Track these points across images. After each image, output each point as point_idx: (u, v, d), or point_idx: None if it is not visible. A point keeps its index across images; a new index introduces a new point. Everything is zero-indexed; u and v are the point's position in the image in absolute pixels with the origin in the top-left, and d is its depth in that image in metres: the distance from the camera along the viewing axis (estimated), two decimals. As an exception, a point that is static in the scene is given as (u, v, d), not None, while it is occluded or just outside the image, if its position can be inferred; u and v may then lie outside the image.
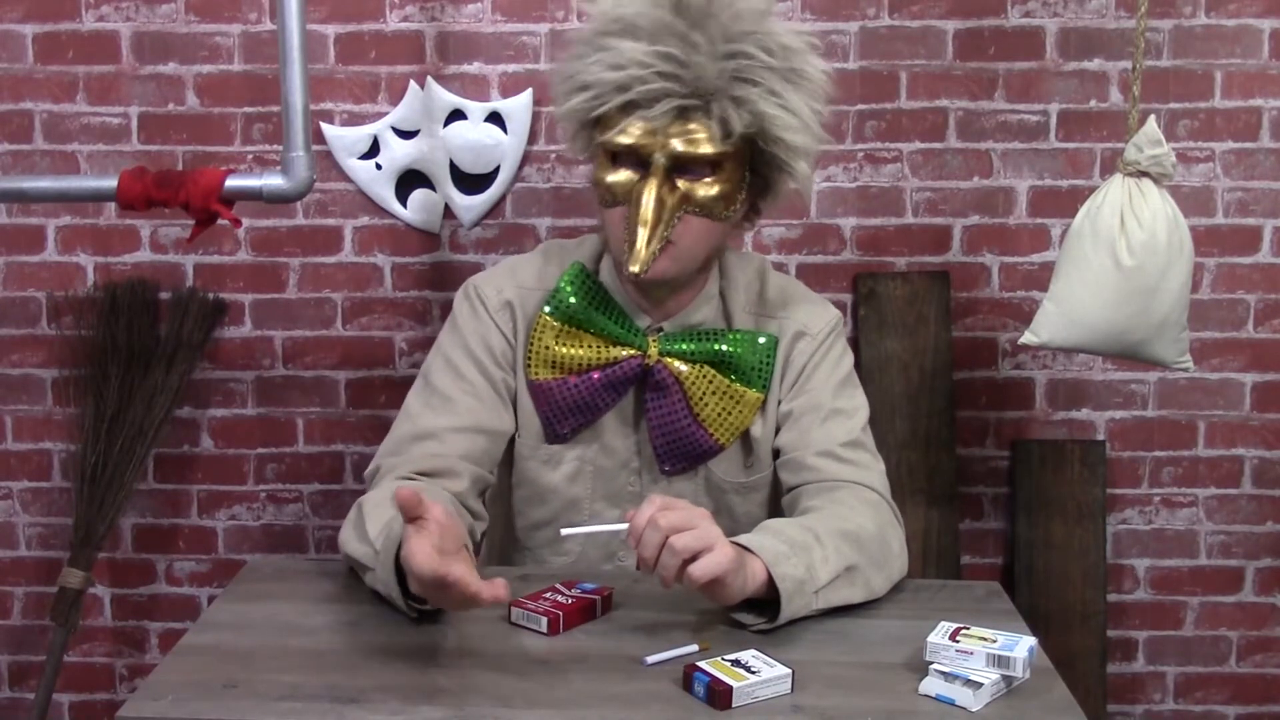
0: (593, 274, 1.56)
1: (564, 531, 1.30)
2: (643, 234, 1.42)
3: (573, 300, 1.53)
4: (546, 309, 1.54)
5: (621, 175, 1.46)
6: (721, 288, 1.59)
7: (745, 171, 1.48)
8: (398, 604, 1.30)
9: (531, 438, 1.58)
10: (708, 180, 1.45)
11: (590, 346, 1.53)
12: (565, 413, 1.55)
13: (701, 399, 1.53)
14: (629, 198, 1.45)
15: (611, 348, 1.53)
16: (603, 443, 1.58)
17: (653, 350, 1.53)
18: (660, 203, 1.42)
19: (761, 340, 1.55)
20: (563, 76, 1.49)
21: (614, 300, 1.55)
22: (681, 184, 1.44)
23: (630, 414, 1.58)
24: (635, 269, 1.42)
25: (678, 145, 1.42)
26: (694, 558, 1.23)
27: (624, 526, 1.26)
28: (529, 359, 1.55)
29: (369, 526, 1.35)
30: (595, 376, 1.53)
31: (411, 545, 1.16)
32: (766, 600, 1.31)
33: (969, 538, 2.43)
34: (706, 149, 1.42)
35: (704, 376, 1.53)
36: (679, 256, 1.48)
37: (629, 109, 1.42)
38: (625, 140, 1.43)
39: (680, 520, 1.24)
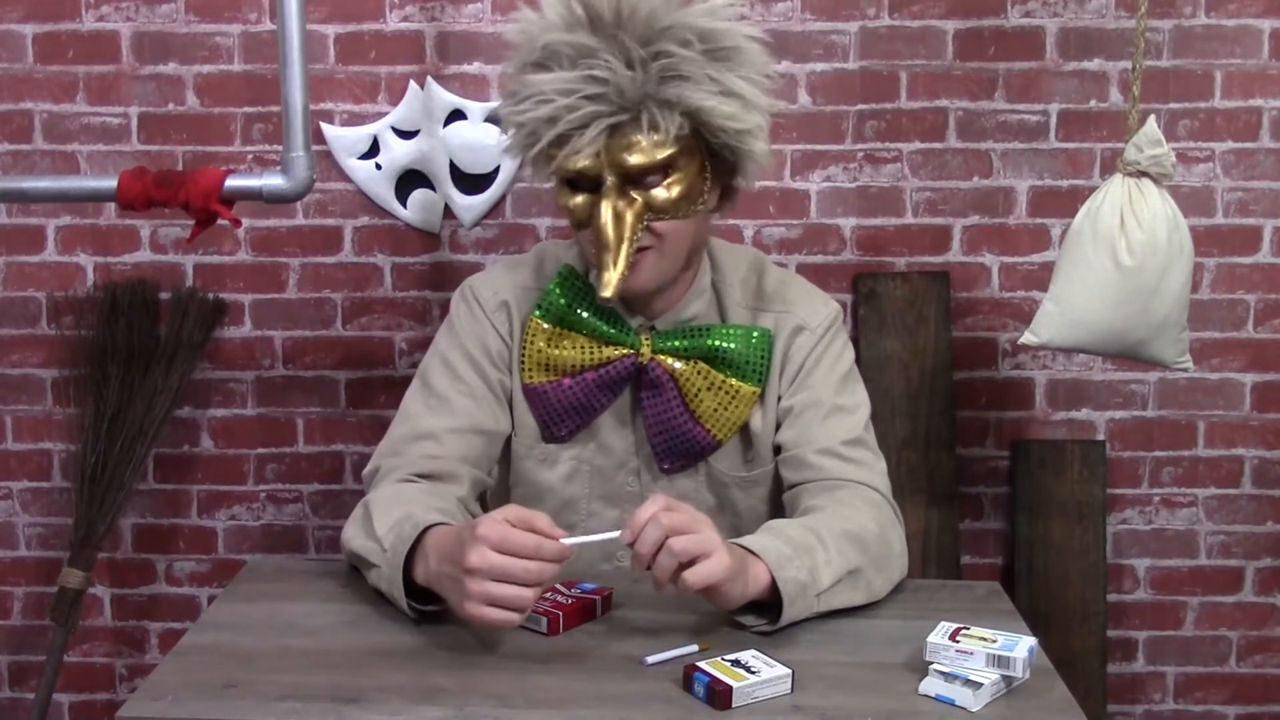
0: (582, 275, 1.56)
1: (566, 541, 1.28)
2: (607, 258, 1.42)
3: (562, 302, 1.53)
4: (537, 312, 1.54)
5: (579, 198, 1.45)
6: (714, 280, 1.59)
7: (703, 161, 1.47)
8: (399, 604, 1.30)
9: (528, 437, 1.58)
10: (665, 184, 1.44)
11: (583, 348, 1.53)
12: (561, 415, 1.55)
13: (696, 395, 1.53)
14: (590, 219, 1.45)
15: (604, 348, 1.53)
16: (600, 442, 1.58)
17: (645, 349, 1.53)
18: (618, 219, 1.42)
19: (755, 334, 1.55)
20: (503, 117, 1.49)
21: None
22: (637, 194, 1.43)
23: (627, 413, 1.58)
24: (607, 294, 1.42)
25: (623, 159, 1.41)
26: (691, 563, 1.23)
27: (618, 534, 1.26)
28: (523, 362, 1.55)
29: (376, 524, 1.35)
30: (589, 377, 1.53)
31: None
32: (768, 602, 1.31)
33: (969, 538, 2.43)
34: (650, 156, 1.41)
35: (698, 372, 1.53)
36: (660, 263, 1.48)
37: (564, 139, 1.41)
38: (570, 167, 1.42)
39: (682, 522, 1.23)
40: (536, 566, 1.19)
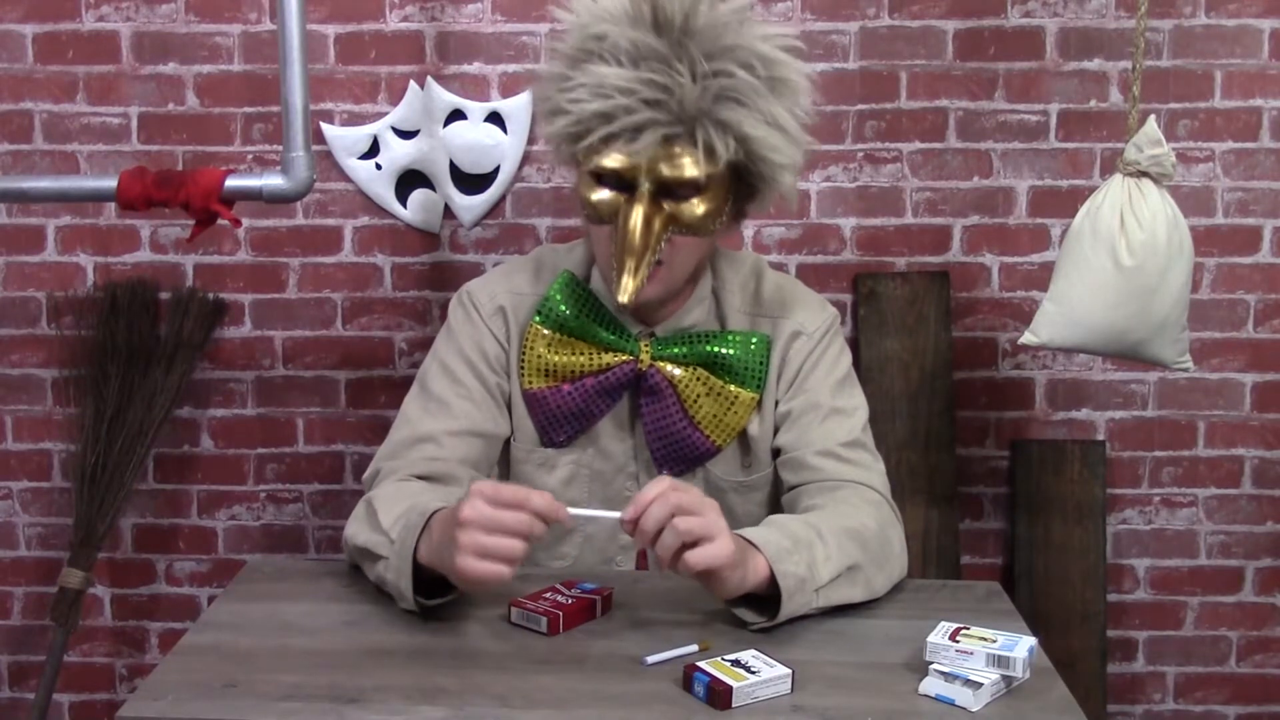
0: (583, 281, 1.56)
1: (572, 511, 1.27)
2: (630, 263, 1.41)
3: (563, 308, 1.53)
4: (537, 318, 1.54)
5: (606, 195, 1.44)
6: (714, 288, 1.59)
7: (731, 184, 1.47)
8: (404, 595, 1.30)
9: (527, 441, 1.58)
10: (694, 200, 1.43)
11: (582, 353, 1.53)
12: (560, 420, 1.56)
13: (695, 401, 1.54)
14: (614, 218, 1.44)
15: (604, 354, 1.53)
16: (599, 447, 1.58)
17: (645, 355, 1.53)
18: (647, 227, 1.41)
19: (754, 340, 1.55)
20: (544, 95, 1.47)
21: (605, 307, 1.55)
22: (667, 205, 1.43)
23: (626, 419, 1.58)
24: (625, 300, 1.41)
25: (664, 170, 1.41)
26: (694, 544, 1.23)
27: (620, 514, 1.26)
28: (522, 368, 1.55)
29: (382, 518, 1.36)
30: (589, 383, 1.54)
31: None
32: (767, 596, 1.31)
33: (969, 538, 2.43)
34: (693, 173, 1.41)
35: (697, 379, 1.53)
36: (668, 277, 1.48)
37: (613, 136, 1.40)
38: (610, 165, 1.42)
39: (689, 503, 1.24)
40: (526, 517, 1.20)
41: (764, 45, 1.42)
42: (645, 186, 1.41)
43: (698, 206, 1.44)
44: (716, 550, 1.23)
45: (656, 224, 1.42)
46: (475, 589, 1.28)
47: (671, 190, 1.43)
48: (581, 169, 1.47)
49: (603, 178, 1.44)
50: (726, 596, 1.29)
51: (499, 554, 1.20)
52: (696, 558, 1.22)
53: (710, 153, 1.40)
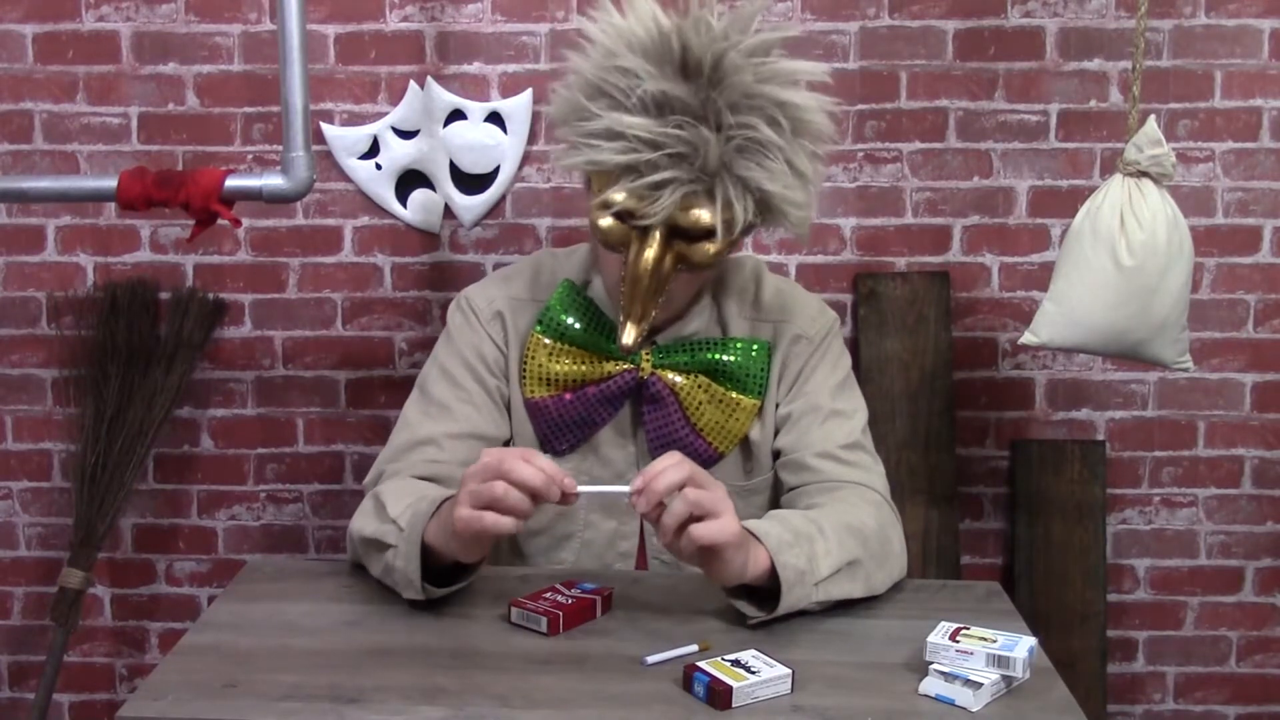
0: (582, 289, 1.56)
1: (579, 488, 1.26)
2: (636, 309, 1.41)
3: (564, 318, 1.53)
4: (538, 328, 1.54)
5: (618, 225, 1.42)
6: (714, 293, 1.59)
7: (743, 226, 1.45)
8: (412, 581, 1.31)
9: (526, 444, 1.58)
10: (706, 244, 1.42)
11: (584, 362, 1.53)
12: (562, 429, 1.56)
13: (698, 409, 1.54)
14: (623, 248, 1.43)
15: (605, 363, 1.53)
16: (599, 455, 1.58)
17: (646, 364, 1.53)
18: (657, 270, 1.40)
19: (755, 347, 1.55)
20: (560, 115, 1.44)
21: (605, 316, 1.55)
22: (679, 246, 1.42)
23: (627, 426, 1.58)
24: (628, 342, 1.41)
25: (679, 219, 1.39)
26: (701, 519, 1.23)
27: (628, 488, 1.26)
28: (524, 377, 1.55)
29: (390, 508, 1.37)
30: (590, 392, 1.54)
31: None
32: (766, 591, 1.31)
33: (969, 538, 2.43)
34: (708, 223, 1.39)
35: (699, 386, 1.54)
36: (670, 305, 1.48)
37: (632, 184, 1.38)
38: (626, 204, 1.39)
39: (701, 477, 1.25)
40: (517, 461, 1.22)
41: (786, 91, 1.38)
42: (658, 233, 1.40)
43: (709, 248, 1.42)
44: (722, 526, 1.23)
45: (666, 264, 1.41)
46: (473, 546, 1.29)
47: (684, 232, 1.41)
48: (592, 188, 1.45)
49: (616, 210, 1.42)
50: (727, 583, 1.29)
51: (489, 498, 1.21)
52: (702, 531, 1.23)
53: (730, 210, 1.38)
